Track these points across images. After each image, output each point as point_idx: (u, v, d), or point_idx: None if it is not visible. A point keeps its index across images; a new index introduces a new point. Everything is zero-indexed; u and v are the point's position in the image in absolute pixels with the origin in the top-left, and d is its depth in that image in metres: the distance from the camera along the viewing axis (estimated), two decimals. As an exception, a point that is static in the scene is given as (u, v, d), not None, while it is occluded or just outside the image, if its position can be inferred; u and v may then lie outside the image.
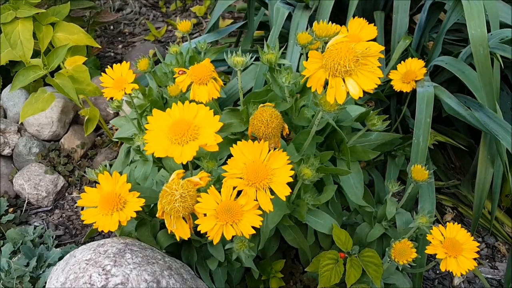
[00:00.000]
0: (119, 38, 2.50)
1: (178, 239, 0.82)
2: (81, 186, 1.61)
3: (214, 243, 0.78)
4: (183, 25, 1.35)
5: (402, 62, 1.36)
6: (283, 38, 1.74)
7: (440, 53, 1.50)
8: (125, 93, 1.03)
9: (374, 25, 1.71)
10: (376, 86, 0.79)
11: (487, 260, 1.42)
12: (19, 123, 1.54)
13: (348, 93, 0.78)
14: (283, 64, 1.07)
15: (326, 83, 0.79)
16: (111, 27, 2.56)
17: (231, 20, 2.39)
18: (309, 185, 1.02)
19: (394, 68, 1.42)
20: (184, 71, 0.97)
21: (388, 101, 1.64)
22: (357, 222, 1.28)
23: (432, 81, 1.50)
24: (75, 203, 1.55)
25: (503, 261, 1.42)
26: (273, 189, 0.79)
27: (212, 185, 0.80)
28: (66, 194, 1.58)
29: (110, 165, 1.67)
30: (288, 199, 1.04)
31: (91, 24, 1.94)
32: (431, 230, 0.98)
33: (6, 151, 1.62)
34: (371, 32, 1.14)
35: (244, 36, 1.87)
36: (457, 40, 1.72)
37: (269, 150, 0.81)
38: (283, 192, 0.79)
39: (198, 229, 0.77)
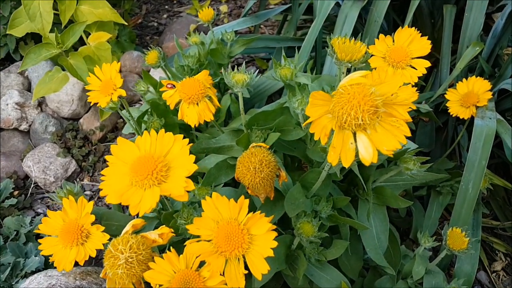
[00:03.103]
0: (166, 6, 2.35)
1: (122, 308, 0.67)
2: (94, 173, 1.51)
3: (163, 323, 0.62)
4: (205, 14, 1.17)
5: (464, 80, 1.10)
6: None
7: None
8: (111, 100, 0.87)
9: (442, 21, 1.46)
10: (400, 147, 0.58)
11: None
12: (33, 101, 1.44)
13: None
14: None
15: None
16: (160, -7, 2.41)
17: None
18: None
19: (459, 79, 1.17)
20: (173, 85, 0.80)
21: (443, 116, 1.38)
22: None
23: (500, 104, 1.24)
24: (85, 190, 1.46)
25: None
26: (247, 262, 0.62)
27: (172, 247, 0.64)
28: (78, 179, 1.49)
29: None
30: (288, 247, 0.86)
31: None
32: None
33: (23, 126, 1.54)
34: (422, 47, 0.91)
35: (288, 20, 1.65)
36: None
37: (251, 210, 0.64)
38: (260, 268, 0.62)
39: (145, 304, 0.62)
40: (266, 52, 1.71)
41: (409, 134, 0.58)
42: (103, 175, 0.67)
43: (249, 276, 0.91)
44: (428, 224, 1.17)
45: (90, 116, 1.59)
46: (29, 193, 1.42)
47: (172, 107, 0.80)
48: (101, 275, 0.66)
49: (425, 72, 0.89)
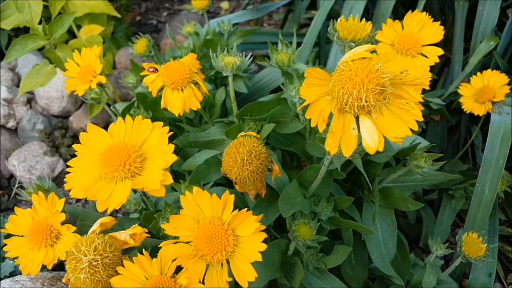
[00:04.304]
0: (166, 4, 2.28)
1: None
2: (84, 173, 1.42)
3: (132, 337, 0.53)
4: (199, 1, 1.09)
5: (479, 73, 1.01)
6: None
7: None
8: (90, 88, 0.79)
9: (453, 17, 1.38)
10: (411, 134, 0.49)
11: None
12: (19, 95, 1.37)
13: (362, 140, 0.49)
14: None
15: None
16: (160, -10, 2.35)
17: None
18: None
19: (472, 74, 1.08)
20: (156, 69, 0.71)
21: (456, 116, 1.29)
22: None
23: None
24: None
25: None
26: (231, 268, 0.53)
27: (145, 250, 0.55)
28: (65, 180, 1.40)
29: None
30: (283, 253, 0.77)
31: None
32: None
33: (10, 123, 1.46)
34: (434, 33, 0.82)
35: (290, 17, 1.57)
36: None
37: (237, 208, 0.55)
38: (246, 275, 0.53)
39: (110, 315, 0.53)
40: (267, 49, 1.63)
41: (421, 119, 0.49)
42: (69, 166, 0.59)
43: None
44: (439, 231, 1.07)
45: (80, 114, 1.51)
46: (13, 193, 1.34)
47: (154, 94, 0.71)
48: (63, 280, 0.57)
49: (437, 60, 0.81)
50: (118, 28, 1.78)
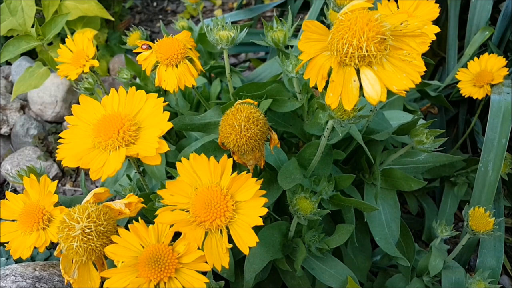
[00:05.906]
0: (160, 16, 2.28)
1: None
2: (77, 178, 1.40)
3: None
4: (193, -6, 1.08)
5: (476, 58, 1.00)
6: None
7: (532, 51, 1.13)
8: (83, 72, 0.78)
9: (447, 14, 1.38)
10: (414, 86, 0.48)
11: None
12: (12, 99, 1.35)
13: (365, 94, 0.47)
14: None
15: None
16: (154, 3, 2.36)
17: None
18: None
19: (466, 66, 1.07)
20: (149, 46, 0.70)
21: (453, 109, 1.28)
22: (395, 265, 0.97)
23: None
24: (66, 195, 1.34)
25: None
26: (231, 234, 0.51)
27: (140, 218, 0.53)
28: (59, 185, 1.38)
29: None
30: (284, 235, 0.75)
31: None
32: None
33: (4, 129, 1.44)
34: (430, 11, 0.81)
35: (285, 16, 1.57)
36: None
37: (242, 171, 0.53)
38: (247, 240, 0.50)
39: (105, 286, 0.50)
40: (260, 51, 1.63)
41: (424, 69, 0.47)
42: (61, 138, 0.57)
43: (240, 273, 0.80)
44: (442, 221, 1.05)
45: (75, 119, 1.49)
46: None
47: (148, 72, 0.70)
48: (55, 253, 0.55)
49: (434, 38, 0.80)
50: (112, 36, 1.78)
